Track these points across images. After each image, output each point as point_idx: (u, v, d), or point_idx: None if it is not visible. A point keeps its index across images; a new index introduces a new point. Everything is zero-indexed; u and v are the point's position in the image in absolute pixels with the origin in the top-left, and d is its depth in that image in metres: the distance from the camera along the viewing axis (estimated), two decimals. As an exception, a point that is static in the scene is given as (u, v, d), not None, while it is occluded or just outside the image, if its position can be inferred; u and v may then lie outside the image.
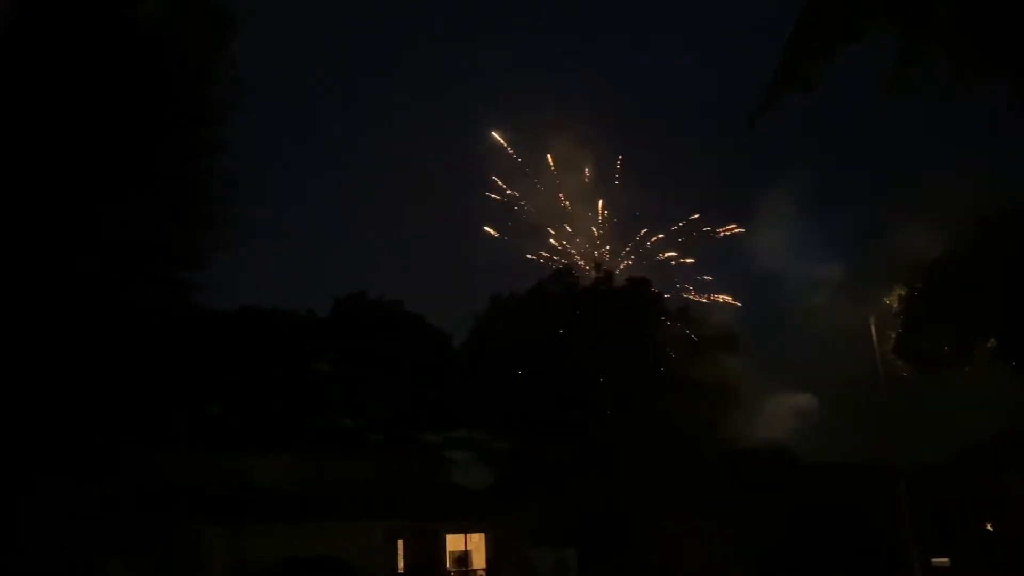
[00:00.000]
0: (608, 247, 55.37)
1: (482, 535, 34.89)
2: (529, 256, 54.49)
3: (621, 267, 44.87)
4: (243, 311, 36.82)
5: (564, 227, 56.86)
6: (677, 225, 53.72)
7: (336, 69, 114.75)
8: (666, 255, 54.66)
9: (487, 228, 53.31)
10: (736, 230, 52.00)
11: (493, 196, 52.49)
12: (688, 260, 54.67)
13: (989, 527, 42.29)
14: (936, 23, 8.73)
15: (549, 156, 55.77)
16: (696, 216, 54.79)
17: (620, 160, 55.72)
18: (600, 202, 54.80)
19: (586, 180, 53.28)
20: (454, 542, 34.59)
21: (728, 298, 51.39)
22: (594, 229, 56.22)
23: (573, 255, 54.93)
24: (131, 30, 21.17)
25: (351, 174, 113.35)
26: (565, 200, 56.62)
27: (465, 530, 34.76)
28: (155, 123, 21.36)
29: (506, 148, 55.64)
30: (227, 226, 23.77)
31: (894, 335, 30.81)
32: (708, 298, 52.94)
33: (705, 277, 54.10)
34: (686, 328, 36.50)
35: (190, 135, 22.56)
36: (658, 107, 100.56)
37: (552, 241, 56.10)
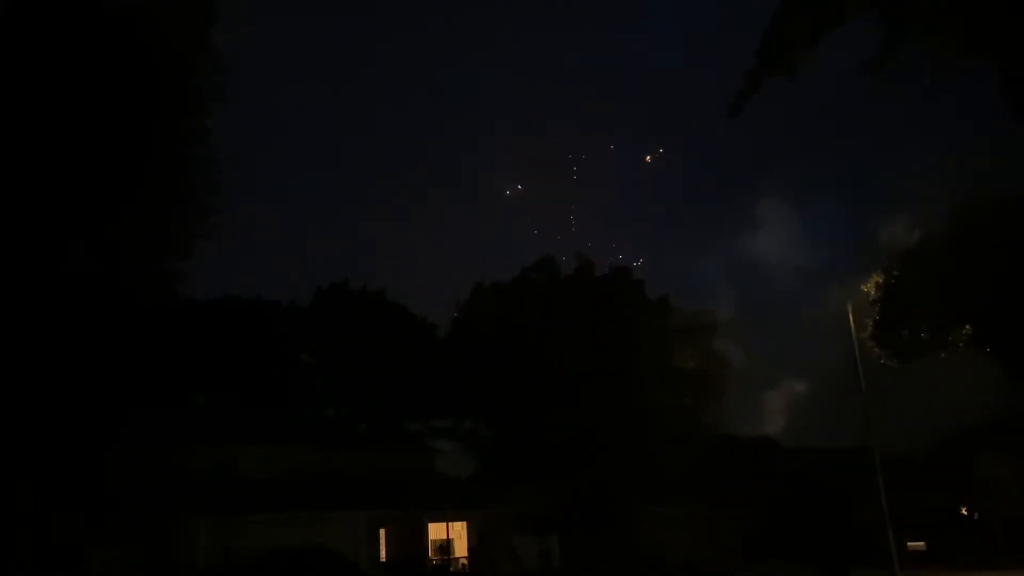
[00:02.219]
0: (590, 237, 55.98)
1: (464, 523, 35.02)
2: None
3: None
4: (226, 301, 36.66)
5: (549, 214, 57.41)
6: None
7: (319, 59, 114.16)
8: None
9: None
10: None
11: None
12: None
13: (964, 511, 43.03)
14: (918, 7, 8.86)
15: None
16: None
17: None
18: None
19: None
20: (436, 530, 34.70)
21: None
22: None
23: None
24: (114, 18, 20.99)
25: (334, 163, 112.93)
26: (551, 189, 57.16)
27: (448, 518, 34.87)
28: (138, 112, 21.20)
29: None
30: (210, 215, 23.65)
31: (872, 322, 31.19)
32: None
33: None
34: (667, 316, 36.73)
35: (173, 124, 22.40)
36: (644, 96, 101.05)
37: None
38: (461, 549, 35.10)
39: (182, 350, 28.62)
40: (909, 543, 35.02)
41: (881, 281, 30.74)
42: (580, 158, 57.99)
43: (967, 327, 28.99)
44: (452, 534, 35.31)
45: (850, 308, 30.23)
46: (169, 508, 26.49)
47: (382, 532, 32.37)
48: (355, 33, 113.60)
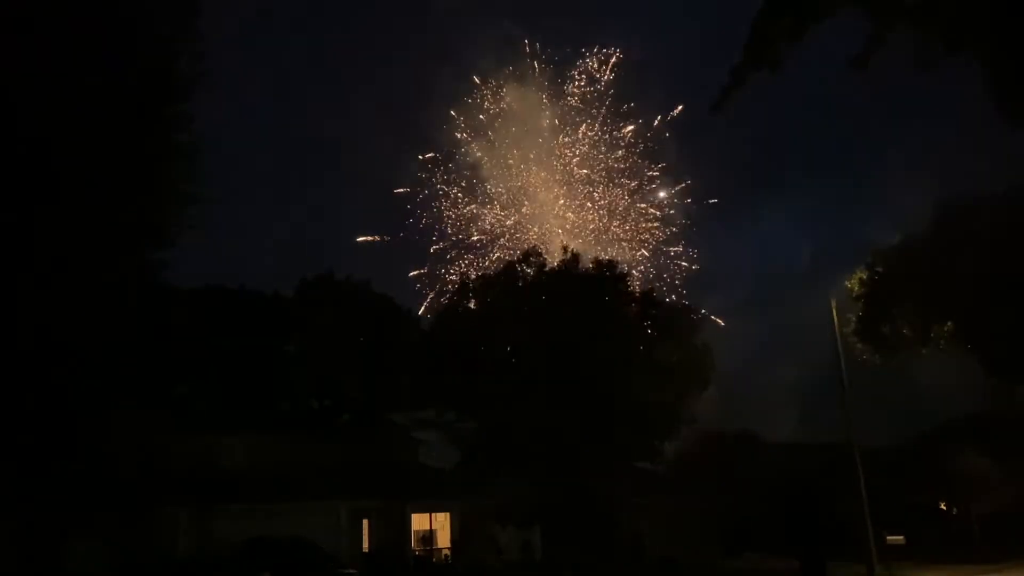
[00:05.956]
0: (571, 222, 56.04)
1: (447, 514, 35.10)
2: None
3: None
4: (209, 290, 36.41)
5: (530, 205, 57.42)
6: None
7: (306, 48, 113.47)
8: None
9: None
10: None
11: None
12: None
13: (943, 506, 43.50)
14: (904, 2, 8.86)
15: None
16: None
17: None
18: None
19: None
20: (419, 521, 34.76)
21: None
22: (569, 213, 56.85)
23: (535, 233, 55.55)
24: (91, 1, 20.73)
25: (319, 153, 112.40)
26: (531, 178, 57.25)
27: (430, 509, 34.94)
28: (120, 97, 20.96)
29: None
30: (192, 204, 23.42)
31: (855, 319, 31.30)
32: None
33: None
34: (651, 310, 36.79)
35: (156, 110, 22.14)
36: (631, 92, 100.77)
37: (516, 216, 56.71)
38: (444, 540, 35.19)
39: (164, 339, 28.42)
40: (888, 537, 35.35)
41: (864, 278, 30.85)
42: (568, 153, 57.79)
43: (949, 324, 29.12)
44: (435, 525, 35.39)
45: (833, 304, 30.39)
46: (150, 497, 26.42)
47: (365, 522, 32.43)
48: (340, 17, 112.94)
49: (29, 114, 19.76)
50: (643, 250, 56.24)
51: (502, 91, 57.54)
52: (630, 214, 56.83)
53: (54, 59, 19.84)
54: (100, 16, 20.44)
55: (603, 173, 57.24)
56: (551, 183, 57.10)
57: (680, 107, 56.77)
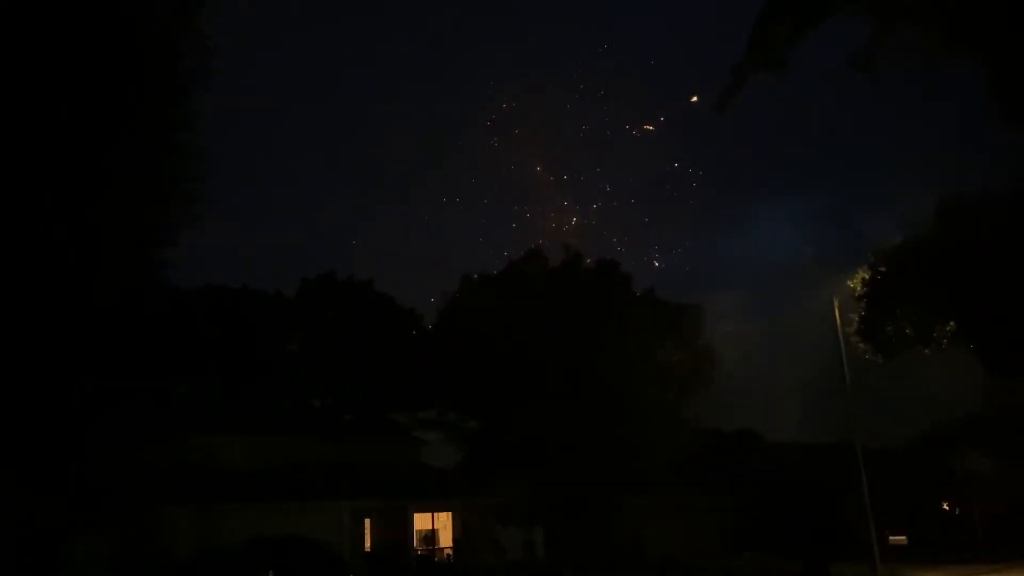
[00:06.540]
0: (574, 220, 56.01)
1: (449, 514, 35.08)
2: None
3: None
4: (211, 290, 36.43)
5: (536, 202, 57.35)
6: None
7: (305, 47, 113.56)
8: None
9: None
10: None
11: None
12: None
13: (945, 506, 43.44)
14: (905, 2, 8.83)
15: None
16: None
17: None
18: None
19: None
20: (421, 521, 34.74)
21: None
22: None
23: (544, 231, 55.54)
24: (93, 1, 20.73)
25: (322, 152, 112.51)
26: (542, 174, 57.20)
27: (432, 509, 34.91)
28: (122, 97, 20.96)
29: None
30: (195, 203, 23.43)
31: (857, 318, 31.26)
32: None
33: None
34: (653, 309, 36.80)
35: (158, 110, 22.15)
36: (629, 82, 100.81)
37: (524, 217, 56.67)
38: (446, 540, 35.15)
39: (166, 338, 28.46)
40: (890, 537, 35.31)
41: (867, 277, 30.80)
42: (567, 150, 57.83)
43: (951, 323, 29.07)
44: (437, 525, 35.36)
45: (836, 303, 30.36)
46: (151, 497, 26.40)
47: (367, 522, 32.39)
48: (345, 20, 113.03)
49: (30, 114, 19.76)
50: (645, 250, 56.16)
51: (511, 92, 57.42)
52: (633, 213, 56.75)
53: (55, 59, 19.84)
54: (102, 16, 20.44)
55: (607, 172, 57.12)
56: (556, 183, 57.13)
57: (695, 97, 56.34)
